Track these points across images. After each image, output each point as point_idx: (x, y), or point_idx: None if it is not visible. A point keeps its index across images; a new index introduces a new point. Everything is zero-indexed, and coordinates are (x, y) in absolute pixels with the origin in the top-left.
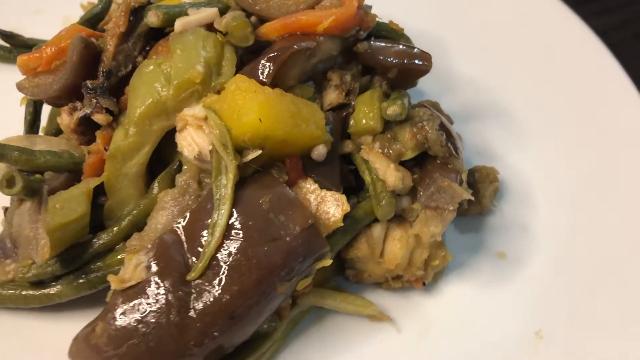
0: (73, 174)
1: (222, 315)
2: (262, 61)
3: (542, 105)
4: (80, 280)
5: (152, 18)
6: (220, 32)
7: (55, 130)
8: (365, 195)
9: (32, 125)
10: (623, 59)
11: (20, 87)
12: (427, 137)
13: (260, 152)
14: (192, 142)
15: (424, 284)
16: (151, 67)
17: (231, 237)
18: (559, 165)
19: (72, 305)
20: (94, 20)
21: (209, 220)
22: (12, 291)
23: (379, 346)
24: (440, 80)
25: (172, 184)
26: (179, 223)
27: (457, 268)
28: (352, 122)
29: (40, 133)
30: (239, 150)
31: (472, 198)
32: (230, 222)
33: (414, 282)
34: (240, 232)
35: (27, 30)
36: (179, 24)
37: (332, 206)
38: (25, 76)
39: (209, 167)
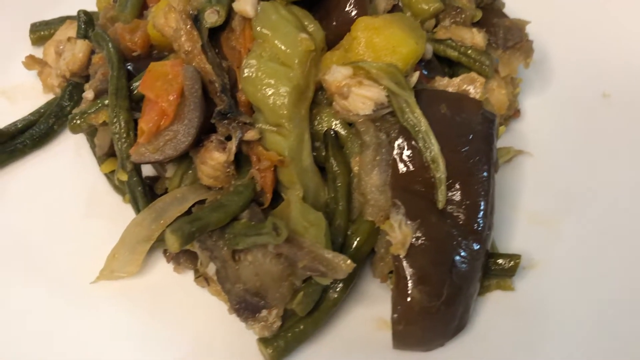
0: (255, 201)
1: (482, 215)
2: None
3: None
4: None
5: (213, 17)
6: None
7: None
8: (444, 72)
9: (145, 194)
10: None
11: (142, 157)
12: None
13: (418, 71)
14: (365, 100)
15: (519, 112)
16: (253, 62)
17: (447, 154)
18: None
19: None
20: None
21: (416, 152)
22: (297, 329)
23: (527, 172)
24: None
25: (341, 152)
26: (396, 171)
27: None
28: (408, 14)
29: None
30: None
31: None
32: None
33: (514, 115)
34: (449, 145)
35: None
36: (249, 7)
37: (470, 86)
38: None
39: (380, 113)
